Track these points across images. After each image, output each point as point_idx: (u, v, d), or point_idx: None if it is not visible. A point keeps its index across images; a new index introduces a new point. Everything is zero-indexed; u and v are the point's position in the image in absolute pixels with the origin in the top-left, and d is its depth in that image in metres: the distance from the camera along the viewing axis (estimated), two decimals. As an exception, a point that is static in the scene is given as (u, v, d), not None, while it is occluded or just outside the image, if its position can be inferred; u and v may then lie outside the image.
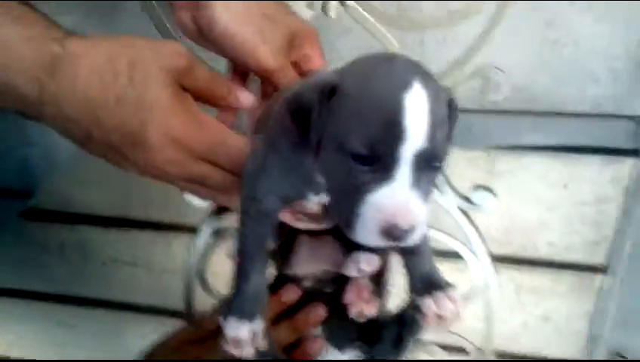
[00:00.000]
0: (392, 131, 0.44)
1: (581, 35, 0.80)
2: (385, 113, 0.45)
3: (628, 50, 0.80)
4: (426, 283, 0.60)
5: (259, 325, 0.56)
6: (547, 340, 0.93)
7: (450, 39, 0.79)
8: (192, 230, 0.90)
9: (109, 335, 1.11)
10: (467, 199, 0.76)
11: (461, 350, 0.90)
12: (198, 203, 0.82)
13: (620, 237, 0.84)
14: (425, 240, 0.59)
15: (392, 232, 0.46)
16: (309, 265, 0.64)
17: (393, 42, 0.73)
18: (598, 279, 0.87)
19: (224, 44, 0.58)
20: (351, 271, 0.63)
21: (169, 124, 0.50)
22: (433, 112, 0.45)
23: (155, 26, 0.77)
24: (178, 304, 0.96)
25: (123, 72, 0.49)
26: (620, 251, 0.84)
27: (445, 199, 0.76)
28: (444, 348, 0.90)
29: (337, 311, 0.63)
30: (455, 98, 0.47)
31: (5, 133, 1.08)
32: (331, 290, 0.65)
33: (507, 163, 0.85)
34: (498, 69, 0.69)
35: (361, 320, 0.62)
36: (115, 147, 0.51)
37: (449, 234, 0.79)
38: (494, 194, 0.75)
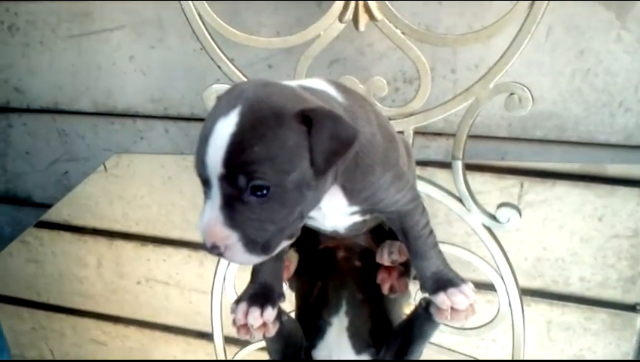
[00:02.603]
0: (199, 157, 0.49)
1: (612, 65, 0.80)
2: (199, 140, 0.49)
3: (661, 82, 0.80)
4: (437, 282, 0.62)
5: (269, 314, 0.59)
6: (583, 383, 0.90)
7: (482, 65, 0.81)
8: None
9: (137, 354, 1.12)
10: (492, 217, 0.75)
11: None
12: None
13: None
14: (431, 244, 0.61)
15: (206, 246, 0.50)
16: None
17: (425, 64, 0.75)
18: (636, 318, 0.84)
19: None
20: (384, 259, 0.66)
21: None
22: (238, 141, 0.47)
23: (201, 42, 0.82)
24: (207, 324, 0.97)
25: None
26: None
27: (471, 217, 0.76)
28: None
29: (364, 290, 0.68)
30: (321, 118, 0.49)
31: (48, 150, 1.15)
32: (359, 264, 0.71)
33: (540, 193, 0.85)
34: (522, 85, 0.70)
35: (393, 296, 0.67)
36: None
37: (474, 253, 0.78)
38: (520, 213, 0.75)
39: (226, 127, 0.47)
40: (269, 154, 0.47)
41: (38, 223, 1.11)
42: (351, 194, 0.57)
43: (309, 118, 0.49)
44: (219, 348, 0.89)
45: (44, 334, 1.15)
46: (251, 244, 0.50)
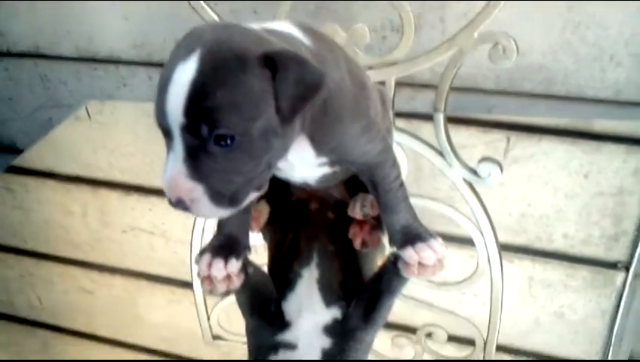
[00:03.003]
0: (158, 106, 0.46)
1: (605, 18, 0.77)
2: (158, 88, 0.47)
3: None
4: (406, 236, 0.61)
5: (233, 266, 0.59)
6: (561, 338, 0.90)
7: (471, 14, 0.78)
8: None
9: (123, 303, 1.13)
10: (473, 171, 0.74)
11: (470, 342, 0.87)
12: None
13: (640, 233, 0.80)
14: (401, 198, 0.60)
15: (170, 202, 0.48)
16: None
17: (409, 12, 0.73)
18: (617, 276, 0.84)
19: None
20: (356, 213, 0.66)
21: None
22: (198, 87, 0.45)
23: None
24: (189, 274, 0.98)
25: None
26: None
27: (452, 171, 0.75)
28: (451, 338, 0.87)
29: (336, 242, 0.67)
30: (287, 60, 0.47)
31: (30, 96, 1.13)
32: (332, 216, 0.70)
33: (526, 148, 0.83)
34: (507, 34, 0.67)
35: (365, 250, 0.67)
36: None
37: (454, 208, 0.77)
38: (501, 168, 0.73)
39: (185, 73, 0.45)
40: (232, 101, 0.45)
41: (23, 170, 1.11)
42: (319, 145, 0.55)
43: (273, 61, 0.46)
44: (199, 298, 0.89)
45: (32, 281, 1.15)
46: (218, 197, 0.48)
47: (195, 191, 0.47)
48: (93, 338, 1.12)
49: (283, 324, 0.59)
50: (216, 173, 0.48)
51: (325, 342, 0.58)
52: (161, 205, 1.03)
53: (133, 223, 1.05)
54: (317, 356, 0.57)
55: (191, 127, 0.46)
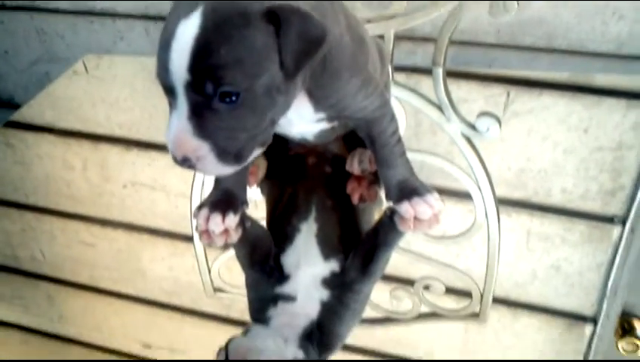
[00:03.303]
0: (161, 64, 0.46)
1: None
2: (160, 46, 0.46)
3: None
4: (402, 191, 0.61)
5: (231, 220, 0.59)
6: (556, 291, 0.91)
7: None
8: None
9: (125, 256, 1.14)
10: (471, 126, 0.74)
11: (467, 294, 0.89)
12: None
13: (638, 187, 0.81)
14: (398, 153, 0.60)
15: (176, 160, 0.48)
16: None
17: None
18: (613, 230, 0.84)
19: None
20: (354, 168, 0.66)
21: None
22: (203, 44, 0.44)
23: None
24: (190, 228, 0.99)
25: None
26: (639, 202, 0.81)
27: (450, 126, 0.75)
28: (449, 290, 0.89)
29: (333, 196, 0.68)
30: (291, 16, 0.46)
31: (27, 49, 1.11)
32: (330, 170, 0.70)
33: (526, 102, 0.83)
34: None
35: (362, 205, 0.67)
36: None
37: (452, 162, 0.77)
38: (499, 122, 0.73)
39: (188, 30, 0.44)
40: (236, 57, 0.45)
41: (23, 125, 1.11)
42: (317, 101, 0.55)
43: (277, 16, 0.46)
44: (200, 252, 0.90)
45: (35, 235, 1.17)
46: (224, 154, 0.48)
47: (201, 149, 0.47)
48: (95, 290, 1.14)
49: (282, 277, 0.60)
50: (222, 130, 0.47)
51: (324, 294, 0.59)
52: (161, 160, 1.03)
53: (133, 178, 1.06)
54: (316, 307, 0.58)
55: (195, 84, 0.45)
